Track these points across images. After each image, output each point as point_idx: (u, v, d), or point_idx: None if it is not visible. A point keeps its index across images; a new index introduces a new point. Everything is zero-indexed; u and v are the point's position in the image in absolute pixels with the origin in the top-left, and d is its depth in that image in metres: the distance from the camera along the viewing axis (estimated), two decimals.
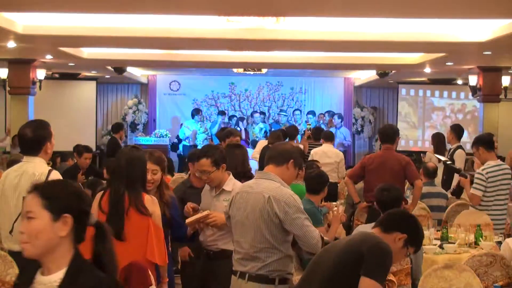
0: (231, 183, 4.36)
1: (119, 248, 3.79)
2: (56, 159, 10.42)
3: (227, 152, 4.64)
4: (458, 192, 7.12)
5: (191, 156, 5.45)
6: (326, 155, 8.86)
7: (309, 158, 8.58)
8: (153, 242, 3.82)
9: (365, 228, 4.06)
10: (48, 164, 4.31)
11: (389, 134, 6.64)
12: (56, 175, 4.06)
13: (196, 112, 14.77)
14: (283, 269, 3.67)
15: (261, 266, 3.61)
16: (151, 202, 3.91)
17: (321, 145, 9.40)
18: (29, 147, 4.15)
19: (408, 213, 3.31)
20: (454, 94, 15.21)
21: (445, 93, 15.26)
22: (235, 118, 15.07)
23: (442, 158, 7.63)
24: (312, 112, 14.96)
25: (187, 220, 4.31)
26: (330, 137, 9.33)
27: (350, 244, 3.06)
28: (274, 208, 3.56)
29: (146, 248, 3.80)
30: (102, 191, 3.99)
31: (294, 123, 14.35)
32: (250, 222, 3.63)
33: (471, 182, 6.19)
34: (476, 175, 6.17)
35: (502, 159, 10.04)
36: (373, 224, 3.42)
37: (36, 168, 4.09)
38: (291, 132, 10.25)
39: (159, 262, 3.86)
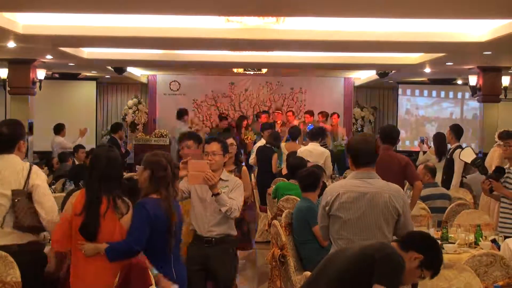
0: (226, 174, 4.91)
1: None
2: (52, 160, 10.34)
3: None
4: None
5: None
6: (311, 154, 8.83)
7: None
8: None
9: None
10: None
11: (392, 136, 6.57)
12: (37, 170, 4.26)
13: (183, 112, 13.46)
14: None
15: None
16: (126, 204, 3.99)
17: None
18: (5, 144, 4.28)
19: (429, 235, 3.33)
20: (459, 94, 15.21)
21: (450, 94, 15.25)
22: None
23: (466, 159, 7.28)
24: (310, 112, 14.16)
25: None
26: (314, 136, 9.20)
27: (365, 249, 3.06)
28: (395, 205, 3.78)
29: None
30: (78, 193, 3.98)
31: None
32: (368, 220, 3.77)
33: None
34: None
35: None
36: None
37: (17, 163, 4.24)
38: (293, 132, 10.25)
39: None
